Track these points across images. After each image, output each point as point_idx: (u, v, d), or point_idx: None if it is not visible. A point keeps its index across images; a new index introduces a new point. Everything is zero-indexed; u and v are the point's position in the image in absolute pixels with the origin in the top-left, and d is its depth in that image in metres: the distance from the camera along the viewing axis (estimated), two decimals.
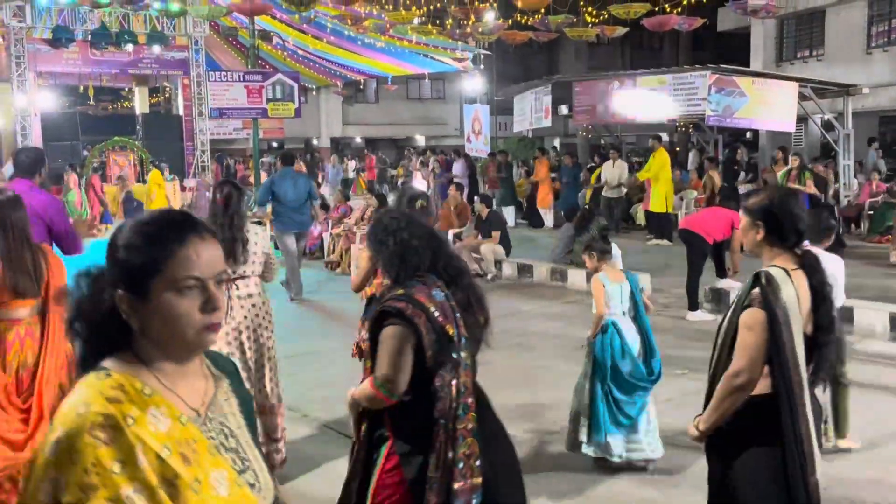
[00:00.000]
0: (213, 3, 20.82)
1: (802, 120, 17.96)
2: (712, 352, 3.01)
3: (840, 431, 5.19)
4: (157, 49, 24.21)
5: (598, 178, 16.71)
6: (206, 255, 1.55)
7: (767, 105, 13.78)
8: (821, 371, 2.90)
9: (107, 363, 1.53)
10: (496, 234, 12.06)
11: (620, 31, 17.42)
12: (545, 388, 6.63)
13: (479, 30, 18.51)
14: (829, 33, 22.83)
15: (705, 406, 2.97)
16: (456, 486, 2.76)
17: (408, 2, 18.74)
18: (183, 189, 24.51)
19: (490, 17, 18.45)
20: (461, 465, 2.78)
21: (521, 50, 25.47)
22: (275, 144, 36.06)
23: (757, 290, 2.78)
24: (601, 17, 17.40)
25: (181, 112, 27.22)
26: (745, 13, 17.12)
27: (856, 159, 16.38)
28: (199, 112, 24.89)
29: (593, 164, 18.93)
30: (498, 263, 12.08)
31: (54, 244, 4.86)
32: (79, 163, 22.77)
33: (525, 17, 17.96)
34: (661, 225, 14.59)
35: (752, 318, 2.77)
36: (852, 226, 15.33)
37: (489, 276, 11.80)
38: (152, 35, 23.11)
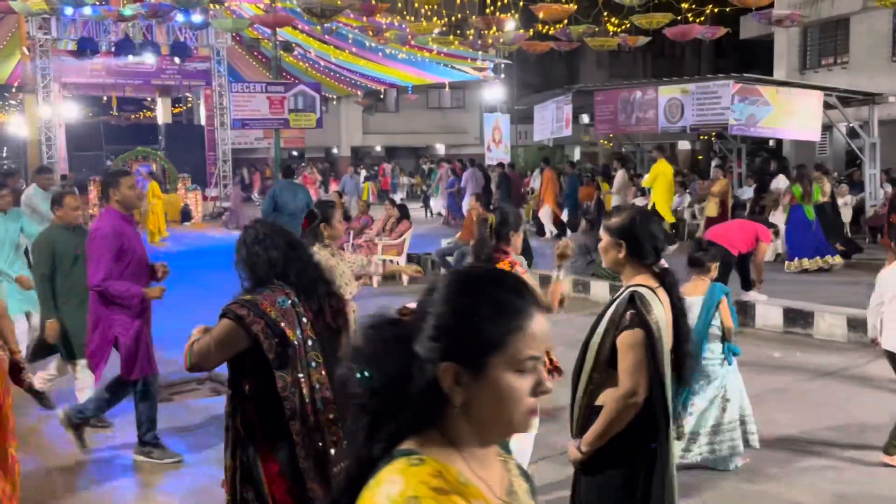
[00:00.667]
0: (236, 16, 20.99)
1: (827, 128, 17.78)
2: (577, 371, 3.05)
3: (889, 449, 5.15)
4: (179, 60, 24.47)
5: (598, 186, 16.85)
6: (544, 332, 1.37)
7: (792, 114, 13.63)
8: (688, 379, 3.12)
9: (411, 444, 1.33)
10: None
11: (643, 40, 17.35)
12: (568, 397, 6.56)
13: (501, 40, 18.50)
14: (854, 41, 22.61)
15: (577, 425, 3.03)
16: (335, 470, 3.00)
17: (429, 13, 18.77)
18: (205, 198, 24.69)
19: (511, 27, 18.43)
20: (333, 451, 3.05)
21: (542, 59, 25.43)
22: (295, 153, 36.25)
23: (633, 311, 2.88)
24: (623, 27, 17.34)
25: (203, 122, 27.45)
26: (769, 23, 17.00)
27: (883, 168, 16.20)
28: (220, 122, 25.09)
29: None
30: None
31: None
32: (102, 173, 22.98)
33: (546, 27, 17.92)
34: None
35: (634, 339, 2.86)
36: (878, 235, 15.15)
37: None
38: (175, 46, 23.36)
